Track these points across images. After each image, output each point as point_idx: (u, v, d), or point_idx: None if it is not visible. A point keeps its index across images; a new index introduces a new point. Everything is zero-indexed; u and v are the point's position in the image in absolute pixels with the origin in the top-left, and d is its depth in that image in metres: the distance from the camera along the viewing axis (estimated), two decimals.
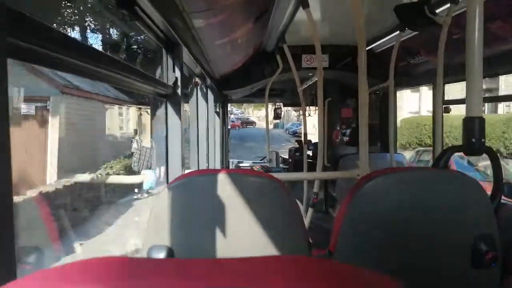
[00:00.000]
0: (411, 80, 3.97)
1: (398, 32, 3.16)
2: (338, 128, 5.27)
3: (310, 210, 3.07)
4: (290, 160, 6.15)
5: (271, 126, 29.22)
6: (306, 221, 3.11)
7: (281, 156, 5.87)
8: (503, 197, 2.70)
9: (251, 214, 1.15)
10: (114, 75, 1.32)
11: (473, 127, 1.18)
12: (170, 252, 1.13)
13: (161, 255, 1.12)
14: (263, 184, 1.18)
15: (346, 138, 5.17)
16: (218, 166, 5.14)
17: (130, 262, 0.46)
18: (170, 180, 1.83)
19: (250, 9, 2.26)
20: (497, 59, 2.51)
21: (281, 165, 5.67)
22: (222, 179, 1.17)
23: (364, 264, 1.15)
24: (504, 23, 2.44)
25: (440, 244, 1.14)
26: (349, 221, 1.13)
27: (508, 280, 1.71)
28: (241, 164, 6.06)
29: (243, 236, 1.17)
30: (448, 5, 2.40)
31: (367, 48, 3.95)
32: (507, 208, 2.16)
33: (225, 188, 1.16)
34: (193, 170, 2.76)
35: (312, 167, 3.65)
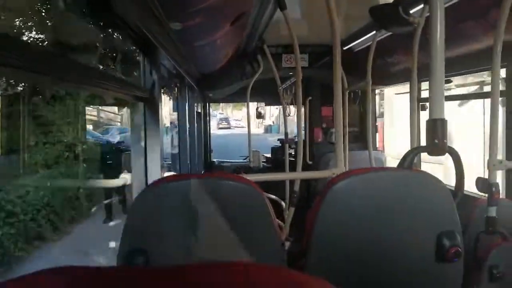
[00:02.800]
0: (389, 79, 4.04)
1: (375, 31, 3.22)
2: (320, 126, 5.33)
3: (292, 208, 3.11)
4: (273, 159, 6.20)
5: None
6: (288, 217, 3.14)
7: (263, 155, 5.91)
8: (478, 192, 2.78)
9: (225, 217, 1.18)
10: (89, 82, 1.33)
11: (436, 128, 1.22)
12: (145, 256, 1.15)
13: (137, 259, 1.14)
14: (236, 187, 1.21)
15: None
16: (201, 166, 5.14)
17: (90, 272, 0.47)
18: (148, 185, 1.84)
19: (228, 11, 2.26)
20: (453, 62, 2.60)
21: (264, 164, 5.70)
22: (197, 183, 1.20)
23: (335, 261, 1.19)
24: (459, 28, 2.53)
25: (406, 241, 1.19)
26: (321, 220, 1.17)
27: (478, 273, 1.77)
28: (223, 164, 6.08)
29: (217, 239, 1.19)
30: (422, 5, 2.45)
31: (345, 48, 4.01)
32: (480, 203, 2.24)
33: (200, 192, 1.18)
34: (172, 172, 2.77)
35: (294, 166, 3.69)
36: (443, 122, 1.25)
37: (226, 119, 36.61)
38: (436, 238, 1.19)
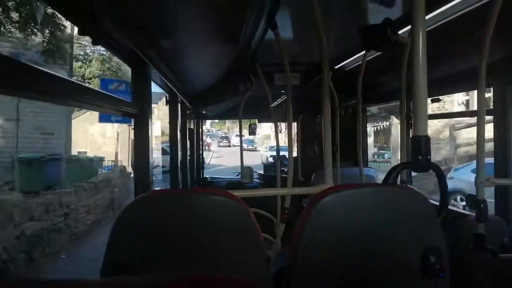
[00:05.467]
0: (380, 97, 4.09)
1: (364, 51, 3.27)
2: (313, 144, 5.35)
3: (282, 224, 3.09)
4: (265, 175, 6.20)
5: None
6: (278, 233, 3.12)
7: (256, 172, 5.91)
8: (468, 209, 2.76)
9: (209, 232, 1.18)
10: (80, 99, 1.34)
11: (420, 145, 1.24)
12: (129, 272, 1.14)
13: (119, 273, 1.13)
14: (221, 202, 1.21)
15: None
16: (193, 182, 5.12)
17: None
18: None
19: (219, 30, 2.30)
20: (441, 82, 2.67)
21: (256, 181, 5.70)
22: (184, 198, 1.20)
23: (320, 277, 1.19)
24: (445, 50, 2.59)
25: (391, 256, 1.19)
26: (305, 236, 1.17)
27: None
28: (215, 180, 6.07)
29: (201, 254, 1.19)
30: (409, 26, 2.51)
31: (337, 66, 4.07)
32: (469, 219, 2.25)
33: (186, 207, 1.19)
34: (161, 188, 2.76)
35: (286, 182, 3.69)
36: (427, 139, 1.27)
37: (227, 137, 36.42)
38: (421, 253, 1.19)
